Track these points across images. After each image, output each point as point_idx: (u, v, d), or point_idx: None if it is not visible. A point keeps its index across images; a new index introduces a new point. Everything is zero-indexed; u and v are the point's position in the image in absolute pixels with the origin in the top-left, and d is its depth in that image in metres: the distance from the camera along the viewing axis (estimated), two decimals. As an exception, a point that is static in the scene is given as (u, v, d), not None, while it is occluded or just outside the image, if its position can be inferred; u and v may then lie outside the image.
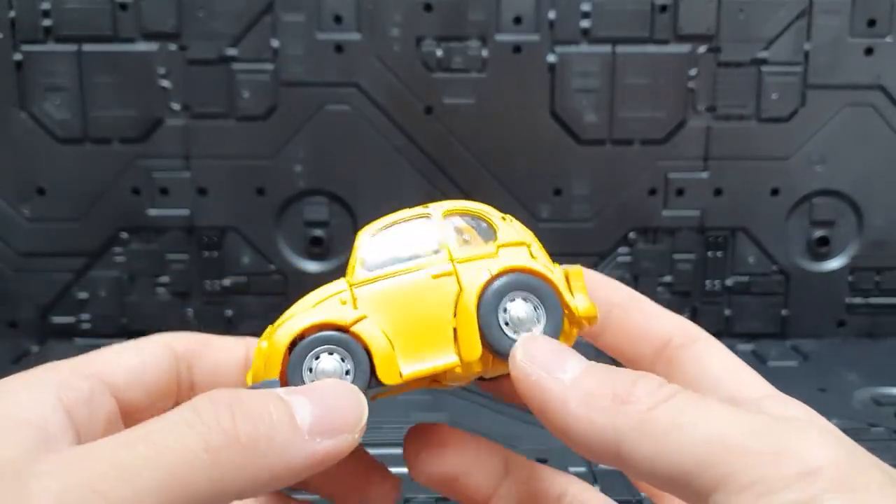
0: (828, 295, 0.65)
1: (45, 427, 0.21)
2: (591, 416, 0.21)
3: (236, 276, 0.63)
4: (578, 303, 0.25)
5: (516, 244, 0.26)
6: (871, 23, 0.61)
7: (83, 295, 0.63)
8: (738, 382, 0.25)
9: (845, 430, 0.51)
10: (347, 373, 0.24)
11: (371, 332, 0.24)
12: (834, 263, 0.64)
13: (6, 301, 0.63)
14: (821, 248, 0.64)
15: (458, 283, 0.25)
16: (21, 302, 0.63)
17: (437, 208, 0.26)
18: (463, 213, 0.26)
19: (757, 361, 0.61)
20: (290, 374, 0.24)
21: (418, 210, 0.26)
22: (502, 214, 0.27)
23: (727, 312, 0.64)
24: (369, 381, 0.24)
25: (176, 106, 0.61)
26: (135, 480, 0.18)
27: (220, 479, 0.19)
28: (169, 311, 0.62)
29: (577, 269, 0.26)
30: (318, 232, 0.63)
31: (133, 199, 0.62)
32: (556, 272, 0.26)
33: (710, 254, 0.64)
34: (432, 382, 0.26)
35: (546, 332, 0.25)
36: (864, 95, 0.62)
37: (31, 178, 0.62)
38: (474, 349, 0.24)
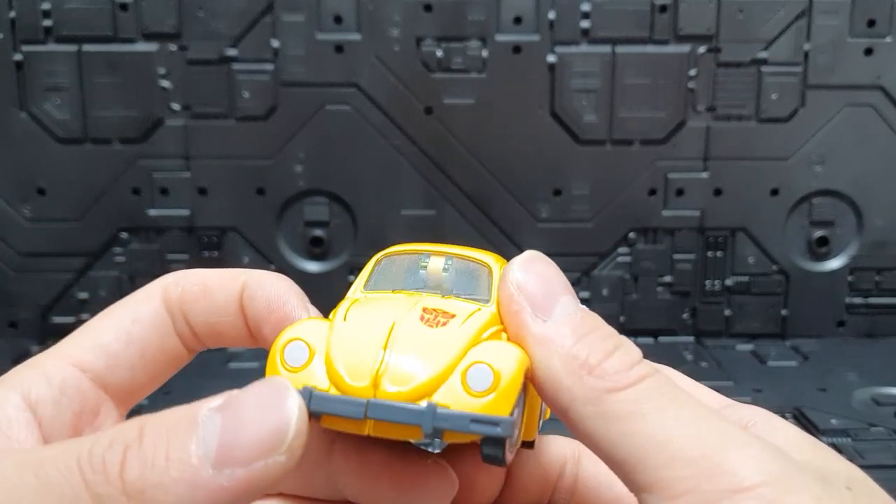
0: (828, 295, 0.65)
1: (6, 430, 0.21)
2: (553, 370, 0.21)
3: (236, 276, 0.63)
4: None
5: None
6: (871, 23, 0.61)
7: (83, 295, 0.63)
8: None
9: (845, 430, 0.51)
10: None
11: None
12: (834, 263, 0.64)
13: (6, 301, 0.63)
14: (820, 249, 0.64)
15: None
16: (21, 302, 0.63)
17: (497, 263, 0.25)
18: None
19: (757, 361, 0.61)
20: None
21: (481, 257, 0.25)
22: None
23: (727, 312, 0.64)
24: None
25: (176, 106, 0.61)
26: None
27: None
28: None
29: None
30: (318, 232, 0.63)
31: (133, 199, 0.62)
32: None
33: (709, 254, 0.64)
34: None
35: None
36: (864, 95, 0.62)
37: (31, 178, 0.62)
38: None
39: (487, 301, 0.23)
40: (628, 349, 0.22)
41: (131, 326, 0.25)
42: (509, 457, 0.22)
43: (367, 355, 0.21)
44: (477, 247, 0.26)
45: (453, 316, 0.22)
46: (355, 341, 0.21)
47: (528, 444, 0.25)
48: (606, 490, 0.27)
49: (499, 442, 0.21)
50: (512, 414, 0.20)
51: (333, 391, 0.20)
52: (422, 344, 0.21)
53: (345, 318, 0.22)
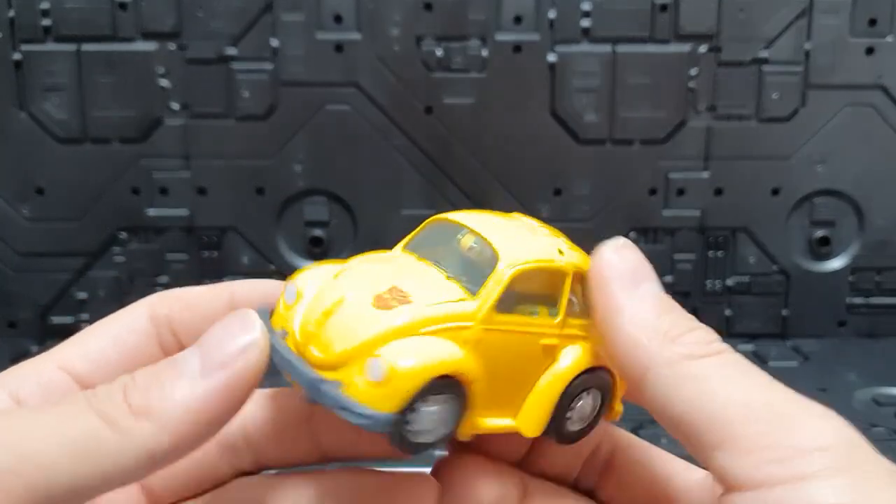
0: (828, 295, 0.65)
1: None
2: (636, 338, 0.22)
3: (236, 277, 0.63)
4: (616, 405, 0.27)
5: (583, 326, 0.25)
6: (872, 22, 0.61)
7: (82, 295, 0.63)
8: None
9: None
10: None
11: (478, 393, 0.23)
12: (835, 263, 0.64)
13: (5, 301, 0.63)
14: (821, 248, 0.64)
15: (556, 357, 0.25)
16: (20, 302, 0.63)
17: (565, 256, 0.25)
18: (584, 274, 0.25)
19: (757, 361, 0.61)
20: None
21: (554, 255, 0.25)
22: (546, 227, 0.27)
23: (727, 312, 0.64)
24: (450, 432, 0.23)
25: (175, 105, 0.61)
26: (41, 436, 0.19)
27: (123, 445, 0.19)
28: (168, 311, 0.62)
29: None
30: (318, 232, 0.63)
31: (132, 199, 0.62)
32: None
33: (710, 254, 0.64)
34: None
35: (597, 418, 0.26)
36: (865, 95, 0.62)
37: (31, 178, 0.62)
38: (534, 427, 0.24)
39: (475, 294, 0.23)
40: (708, 330, 0.23)
41: (117, 334, 0.26)
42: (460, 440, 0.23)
43: (314, 317, 0.23)
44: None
45: (410, 302, 0.22)
46: (319, 300, 0.23)
47: (564, 439, 0.26)
48: (638, 484, 0.27)
49: (395, 436, 0.22)
50: (402, 412, 0.21)
51: (286, 340, 0.23)
52: (354, 321, 0.22)
53: (336, 276, 0.24)
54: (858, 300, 0.65)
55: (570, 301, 0.25)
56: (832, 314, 0.65)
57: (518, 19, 0.60)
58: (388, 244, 0.26)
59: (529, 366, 0.24)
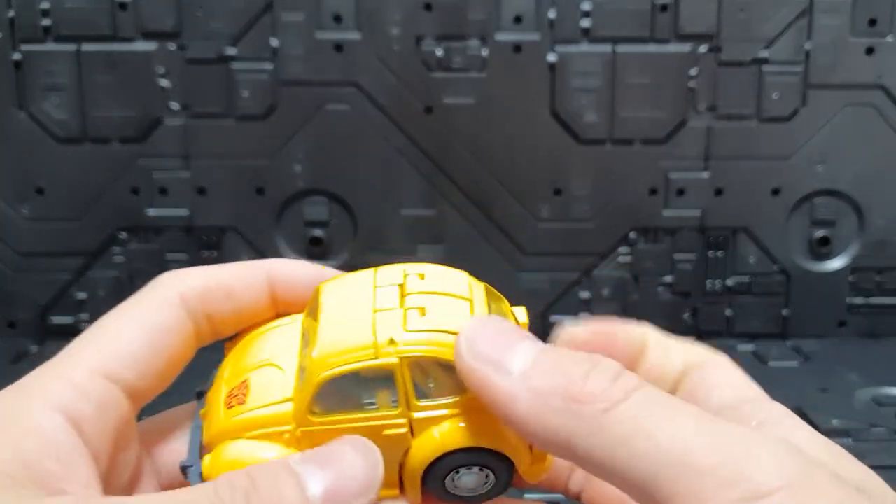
0: (829, 295, 0.65)
1: (50, 468, 0.20)
2: (543, 417, 0.20)
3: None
4: (529, 471, 0.24)
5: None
6: (872, 22, 0.61)
7: (82, 295, 0.63)
8: (731, 391, 0.25)
9: (846, 431, 0.51)
10: None
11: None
12: (835, 263, 0.64)
13: (5, 301, 0.63)
14: (822, 248, 0.64)
15: (411, 434, 0.23)
16: (20, 302, 0.63)
17: (402, 356, 0.22)
18: (435, 358, 0.22)
19: (758, 362, 0.61)
20: None
21: (380, 363, 0.22)
22: (492, 297, 0.25)
23: (728, 312, 0.64)
24: None
25: (175, 105, 0.61)
26: None
27: None
28: (168, 312, 0.62)
29: None
30: (317, 232, 0.63)
31: (132, 199, 0.62)
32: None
33: (710, 254, 0.64)
34: None
35: (494, 491, 0.24)
36: (865, 95, 0.62)
37: (31, 178, 0.62)
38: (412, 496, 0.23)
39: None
40: (605, 364, 0.21)
41: (159, 336, 0.25)
42: None
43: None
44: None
45: (244, 402, 0.24)
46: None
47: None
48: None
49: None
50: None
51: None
52: (213, 414, 0.25)
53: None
54: (859, 300, 0.65)
55: (419, 384, 0.22)
56: (832, 314, 0.65)
57: (518, 19, 0.60)
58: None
59: (385, 457, 0.23)
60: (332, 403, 0.22)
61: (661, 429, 0.19)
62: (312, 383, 0.22)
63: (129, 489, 0.25)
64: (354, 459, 0.21)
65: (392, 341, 0.22)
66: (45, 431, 0.21)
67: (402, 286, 0.24)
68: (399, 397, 0.22)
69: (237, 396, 0.24)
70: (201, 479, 0.23)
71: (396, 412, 0.22)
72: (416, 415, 0.23)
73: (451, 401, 0.23)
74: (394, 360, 0.22)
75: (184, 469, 0.24)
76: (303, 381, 0.23)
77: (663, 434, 0.19)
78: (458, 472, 0.23)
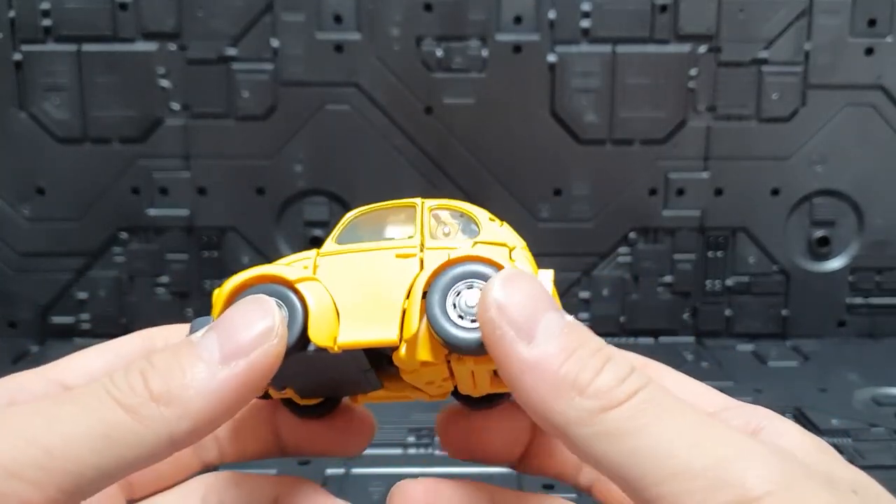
0: (828, 295, 0.65)
1: None
2: (547, 398, 0.21)
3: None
4: None
5: (497, 244, 0.25)
6: (872, 23, 0.61)
7: (83, 295, 0.63)
8: (700, 402, 0.24)
9: (845, 430, 0.51)
10: None
11: (314, 293, 0.24)
12: (834, 263, 0.64)
13: (6, 301, 0.63)
14: (821, 248, 0.64)
15: (420, 266, 0.24)
16: (21, 302, 0.63)
17: (426, 202, 0.26)
18: (451, 210, 0.26)
19: (757, 361, 0.61)
20: None
21: (407, 200, 0.26)
22: (497, 218, 0.27)
23: (727, 312, 0.64)
24: (299, 338, 0.23)
25: (176, 106, 0.61)
26: (64, 430, 0.19)
27: (145, 432, 0.20)
28: (168, 312, 0.62)
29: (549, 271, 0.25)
30: (317, 232, 0.63)
31: (133, 199, 0.62)
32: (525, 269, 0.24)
33: (710, 254, 0.64)
34: (414, 391, 0.26)
35: None
36: (865, 95, 0.62)
37: (31, 178, 0.62)
38: (412, 326, 0.24)
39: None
40: (618, 361, 0.21)
41: (116, 356, 0.26)
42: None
43: None
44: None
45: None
46: None
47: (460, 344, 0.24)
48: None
49: None
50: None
51: None
52: None
53: None
54: (858, 300, 0.65)
55: (434, 230, 0.25)
56: (832, 314, 0.65)
57: (518, 20, 0.60)
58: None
59: (393, 278, 0.24)
60: (356, 235, 0.25)
61: (655, 430, 0.20)
62: (344, 219, 0.26)
63: None
64: (246, 312, 0.22)
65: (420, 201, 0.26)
66: None
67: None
68: (415, 232, 0.25)
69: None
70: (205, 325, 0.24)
71: (411, 240, 0.25)
72: (427, 251, 0.25)
73: (461, 244, 0.25)
74: (417, 201, 0.26)
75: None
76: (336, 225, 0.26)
77: (656, 435, 0.19)
78: (458, 294, 0.24)
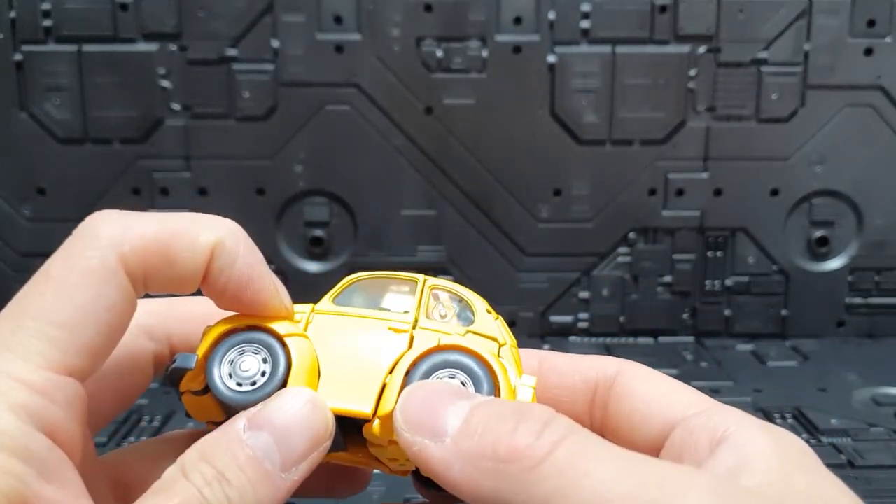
0: (827, 295, 0.65)
1: (45, 494, 0.20)
2: (476, 481, 0.20)
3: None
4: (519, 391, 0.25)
5: (489, 337, 0.25)
6: (871, 23, 0.61)
7: (83, 295, 0.63)
8: (668, 405, 0.24)
9: (845, 431, 0.51)
10: (263, 374, 0.24)
11: (300, 349, 0.24)
12: (834, 264, 0.64)
13: (6, 301, 0.63)
14: (821, 249, 0.64)
15: (409, 344, 0.25)
16: (21, 302, 0.63)
17: (428, 280, 0.26)
18: (451, 293, 0.26)
19: (757, 361, 0.61)
20: (211, 357, 0.25)
21: (410, 275, 0.27)
22: (493, 311, 0.27)
23: (727, 312, 0.64)
24: (276, 391, 0.24)
25: (176, 106, 0.61)
26: None
27: None
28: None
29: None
30: (318, 232, 0.63)
31: (133, 200, 0.62)
32: (509, 371, 0.24)
33: (709, 254, 0.64)
34: (377, 463, 0.26)
35: None
36: (864, 96, 0.62)
37: (32, 178, 0.62)
38: (388, 403, 0.24)
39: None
40: (532, 416, 0.21)
41: (105, 317, 0.23)
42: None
43: None
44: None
45: None
46: None
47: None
48: (636, 413, 0.26)
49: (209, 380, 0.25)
50: (208, 358, 0.25)
51: None
52: None
53: None
54: (857, 300, 0.65)
55: (432, 309, 0.26)
56: (831, 314, 0.65)
57: (518, 20, 0.61)
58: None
59: (380, 349, 0.25)
60: (354, 299, 0.26)
61: (584, 485, 0.19)
62: (345, 280, 0.26)
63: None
64: (300, 416, 0.23)
65: (424, 279, 0.26)
66: (29, 450, 0.20)
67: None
68: (412, 308, 0.26)
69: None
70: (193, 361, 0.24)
71: (405, 315, 0.25)
72: (419, 329, 0.25)
73: (454, 331, 0.25)
74: (420, 277, 0.26)
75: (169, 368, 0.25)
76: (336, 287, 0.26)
77: (586, 490, 0.19)
78: (451, 376, 0.24)
